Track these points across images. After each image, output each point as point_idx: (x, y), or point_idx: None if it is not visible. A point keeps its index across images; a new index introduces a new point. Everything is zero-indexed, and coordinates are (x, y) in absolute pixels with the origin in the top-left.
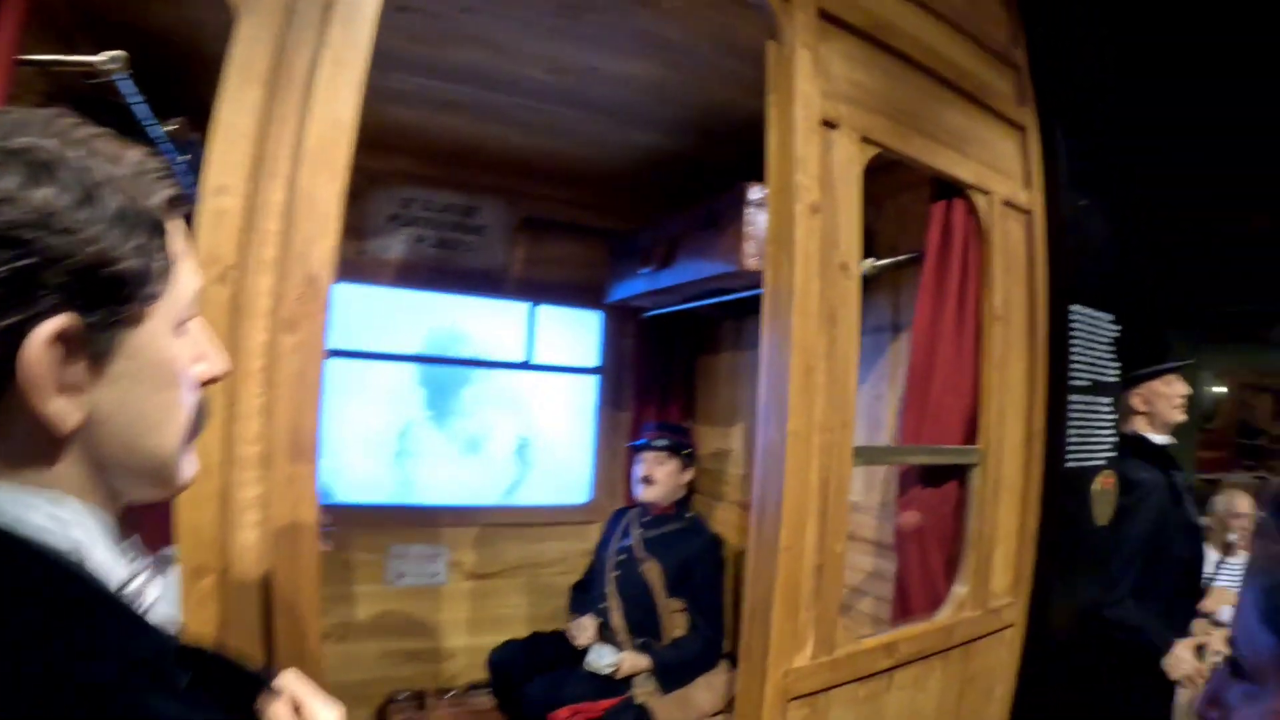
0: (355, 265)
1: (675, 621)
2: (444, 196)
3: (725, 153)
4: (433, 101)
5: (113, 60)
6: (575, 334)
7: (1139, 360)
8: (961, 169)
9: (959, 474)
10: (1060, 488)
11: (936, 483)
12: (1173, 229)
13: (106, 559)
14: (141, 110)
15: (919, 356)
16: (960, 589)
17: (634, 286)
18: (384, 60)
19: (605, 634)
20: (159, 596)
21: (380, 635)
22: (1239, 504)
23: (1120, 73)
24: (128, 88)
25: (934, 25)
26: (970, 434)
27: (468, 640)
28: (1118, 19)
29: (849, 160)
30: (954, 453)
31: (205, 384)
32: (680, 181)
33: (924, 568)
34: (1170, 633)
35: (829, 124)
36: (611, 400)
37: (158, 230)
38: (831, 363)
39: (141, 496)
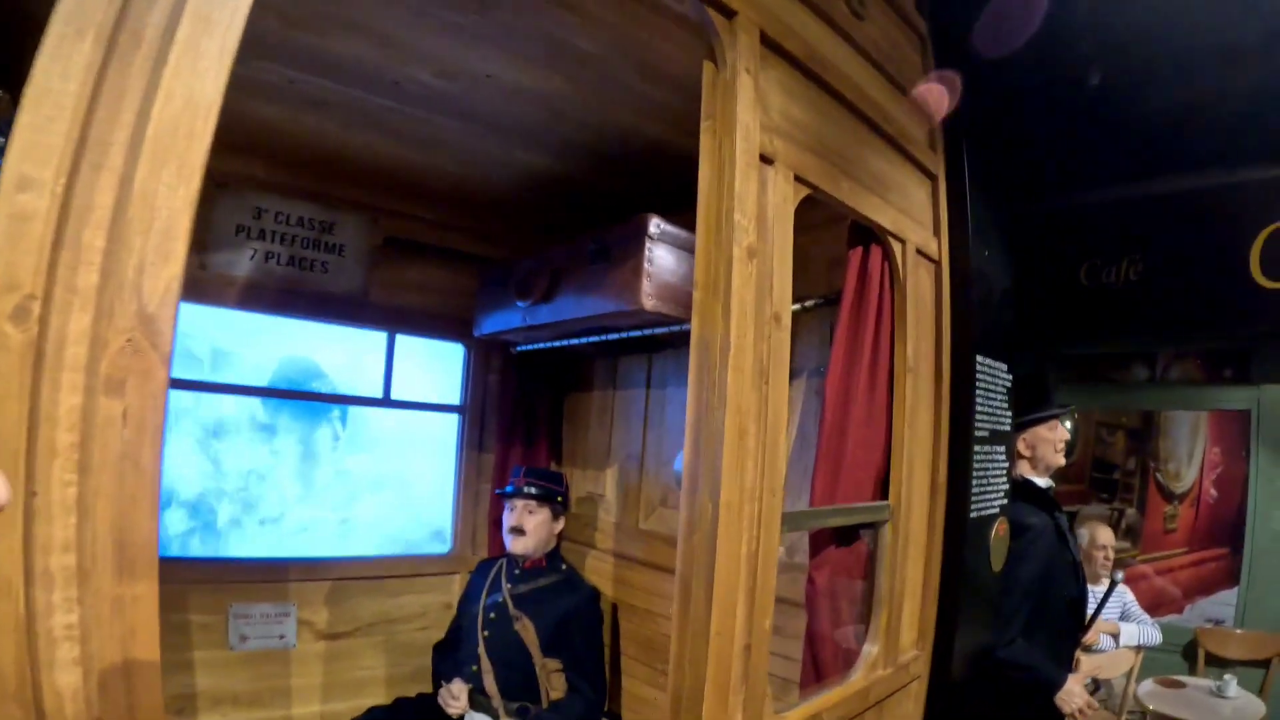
0: (196, 282)
1: (553, 682)
2: (300, 208)
3: (620, 182)
4: (299, 98)
5: None
6: (437, 367)
7: (1025, 406)
8: (882, 215)
9: (867, 529)
10: (962, 538)
11: (847, 540)
12: (1044, 276)
13: None
14: None
15: (832, 410)
16: (872, 648)
17: (508, 320)
18: (250, 46)
19: (478, 700)
20: None
21: (224, 706)
22: (1100, 535)
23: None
24: None
25: (860, 64)
26: (880, 489)
27: (322, 707)
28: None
29: (783, 200)
30: (868, 510)
31: None
32: (565, 210)
33: (835, 627)
34: (1061, 669)
35: (766, 159)
36: (474, 440)
37: None
38: (762, 424)
39: None
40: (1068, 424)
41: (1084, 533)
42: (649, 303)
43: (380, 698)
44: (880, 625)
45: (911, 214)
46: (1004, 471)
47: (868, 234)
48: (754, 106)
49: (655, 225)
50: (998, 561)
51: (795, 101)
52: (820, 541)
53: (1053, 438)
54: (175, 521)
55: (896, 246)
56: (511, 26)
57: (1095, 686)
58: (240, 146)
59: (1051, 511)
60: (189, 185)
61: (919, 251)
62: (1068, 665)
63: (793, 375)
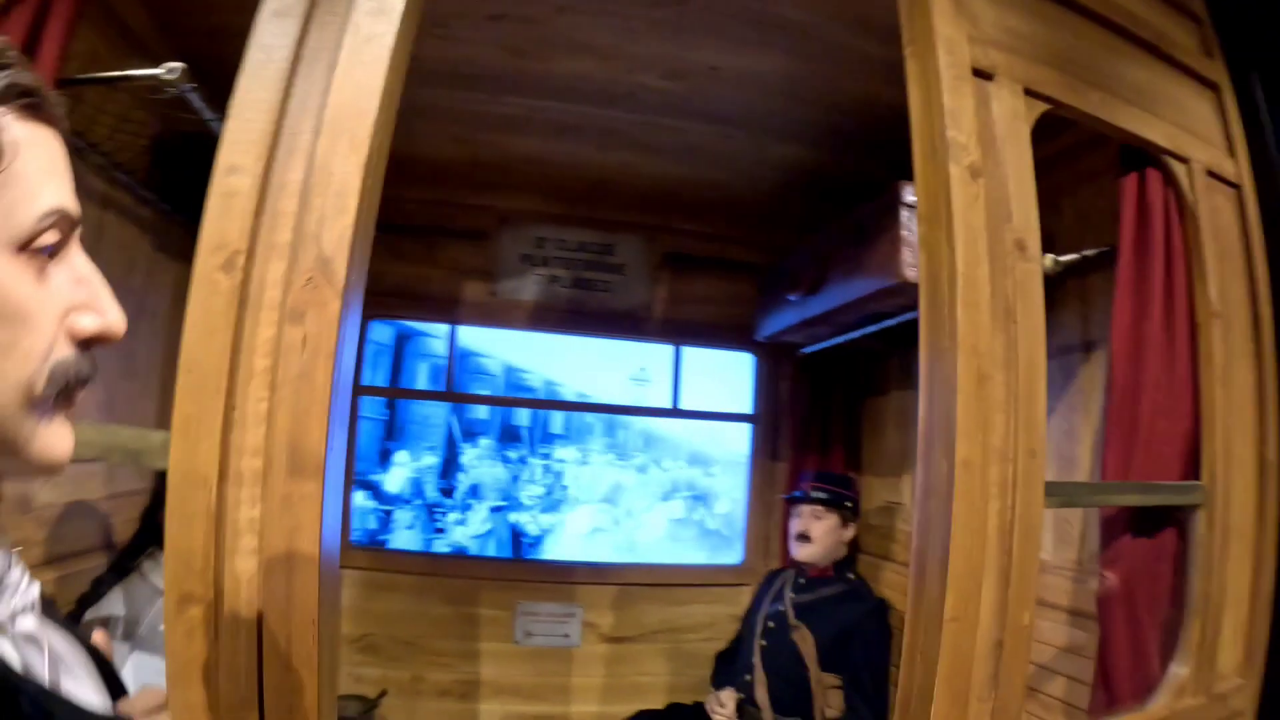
0: (487, 308)
1: (830, 699)
2: (578, 234)
3: (871, 159)
4: (550, 127)
5: (170, 71)
6: (727, 377)
7: None
8: (1152, 130)
9: (1175, 520)
10: None
11: (1148, 532)
12: None
13: None
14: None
15: (1121, 371)
16: (1179, 669)
17: (783, 319)
18: (490, 82)
19: (748, 711)
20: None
21: (505, 696)
22: None
23: None
24: (195, 99)
25: None
26: (1190, 467)
27: (599, 707)
28: None
29: (1013, 115)
30: (1169, 491)
31: (85, 343)
32: (827, 200)
33: (1133, 641)
34: None
35: (982, 74)
36: (766, 449)
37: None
38: (1011, 371)
39: None
40: None
41: None
42: (910, 273)
43: (658, 704)
44: (1191, 641)
45: (1193, 129)
46: None
47: (1140, 157)
48: (955, 19)
49: (909, 193)
50: None
51: (1013, 13)
52: (1114, 532)
53: None
54: (475, 523)
55: (1179, 168)
56: (712, 10)
57: None
58: (515, 184)
59: None
60: (359, 153)
61: (1210, 173)
62: None
63: (1090, 346)
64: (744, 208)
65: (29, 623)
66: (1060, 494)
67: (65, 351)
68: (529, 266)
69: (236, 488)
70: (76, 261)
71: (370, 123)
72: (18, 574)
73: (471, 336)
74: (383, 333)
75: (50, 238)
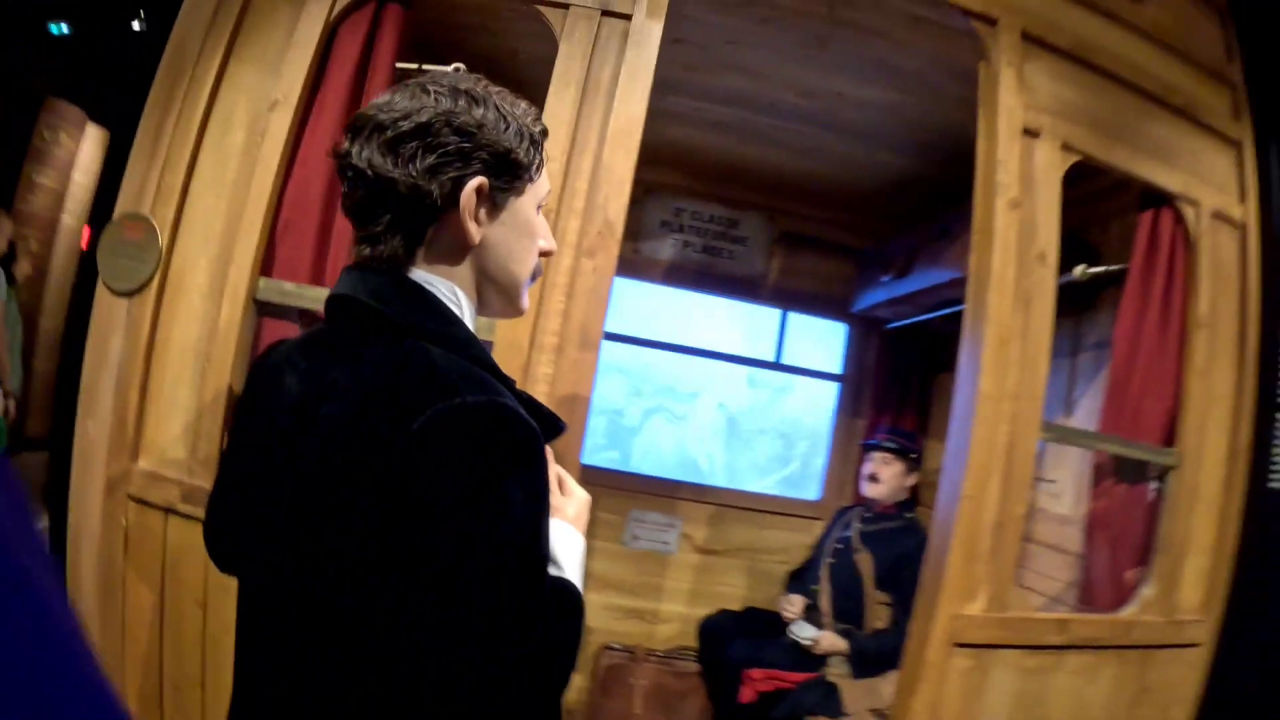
0: (630, 263)
1: (879, 614)
2: (711, 209)
3: (958, 172)
4: (703, 122)
5: (455, 69)
6: (820, 342)
7: None
8: (1167, 178)
9: (1155, 478)
10: (1266, 509)
11: (1130, 480)
12: None
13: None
14: None
15: (1121, 357)
16: (1146, 591)
17: (875, 296)
18: (661, 85)
19: (811, 614)
20: None
21: (608, 589)
22: None
23: None
24: None
25: (1139, 43)
26: (1168, 439)
27: (684, 609)
28: None
29: (1049, 165)
30: (1147, 449)
31: (543, 254)
32: (919, 200)
33: (1112, 564)
34: None
35: (1030, 132)
36: (850, 407)
37: (537, 145)
38: (1025, 342)
39: (492, 311)
40: None
41: None
42: None
43: (735, 609)
44: (1157, 572)
45: (1207, 178)
46: None
47: (1158, 198)
48: (1017, 91)
49: None
50: None
51: (1063, 83)
52: (1104, 476)
53: None
54: (602, 437)
55: (1188, 209)
56: (847, 54)
57: None
58: (663, 161)
59: None
60: (630, 159)
61: (1218, 215)
62: None
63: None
64: (849, 200)
65: None
66: (1055, 431)
67: (536, 258)
68: (667, 231)
69: (538, 353)
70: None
71: (637, 140)
72: None
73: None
74: None
75: (546, 204)
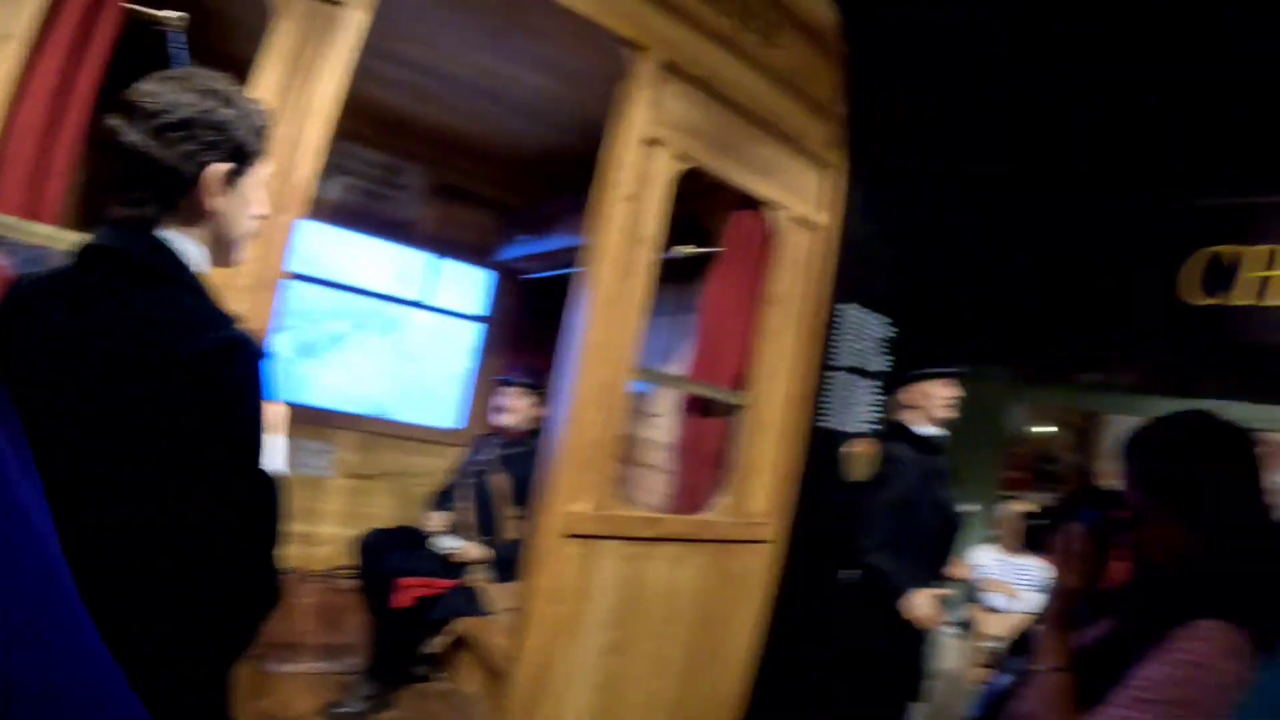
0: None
1: (512, 526)
2: (377, 156)
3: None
4: (380, 79)
5: (179, 20)
6: (467, 286)
7: (911, 365)
8: (762, 188)
9: (730, 415)
10: (816, 442)
11: (714, 416)
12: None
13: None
14: (181, 58)
15: (706, 320)
16: (722, 498)
17: (517, 250)
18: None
19: (456, 528)
20: None
21: None
22: (1010, 509)
23: (931, 134)
24: (177, 40)
25: (763, 80)
26: (742, 385)
27: (338, 530)
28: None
29: (663, 170)
30: (726, 393)
31: (259, 217)
32: (566, 172)
33: (698, 479)
34: (912, 583)
35: (652, 141)
36: (491, 346)
37: (263, 136)
38: (624, 303)
39: (220, 263)
40: (949, 388)
41: (1005, 508)
42: None
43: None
44: (731, 483)
45: (796, 190)
46: (871, 405)
47: (755, 202)
48: (646, 108)
49: None
50: (853, 473)
51: (692, 106)
52: (693, 410)
53: (933, 394)
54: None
55: (773, 213)
56: (522, 49)
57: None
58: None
59: (930, 454)
60: (324, 133)
61: (798, 218)
62: (923, 583)
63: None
64: (506, 163)
65: None
66: (647, 374)
67: (254, 221)
68: (337, 175)
69: (234, 293)
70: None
71: (335, 115)
72: None
73: None
74: None
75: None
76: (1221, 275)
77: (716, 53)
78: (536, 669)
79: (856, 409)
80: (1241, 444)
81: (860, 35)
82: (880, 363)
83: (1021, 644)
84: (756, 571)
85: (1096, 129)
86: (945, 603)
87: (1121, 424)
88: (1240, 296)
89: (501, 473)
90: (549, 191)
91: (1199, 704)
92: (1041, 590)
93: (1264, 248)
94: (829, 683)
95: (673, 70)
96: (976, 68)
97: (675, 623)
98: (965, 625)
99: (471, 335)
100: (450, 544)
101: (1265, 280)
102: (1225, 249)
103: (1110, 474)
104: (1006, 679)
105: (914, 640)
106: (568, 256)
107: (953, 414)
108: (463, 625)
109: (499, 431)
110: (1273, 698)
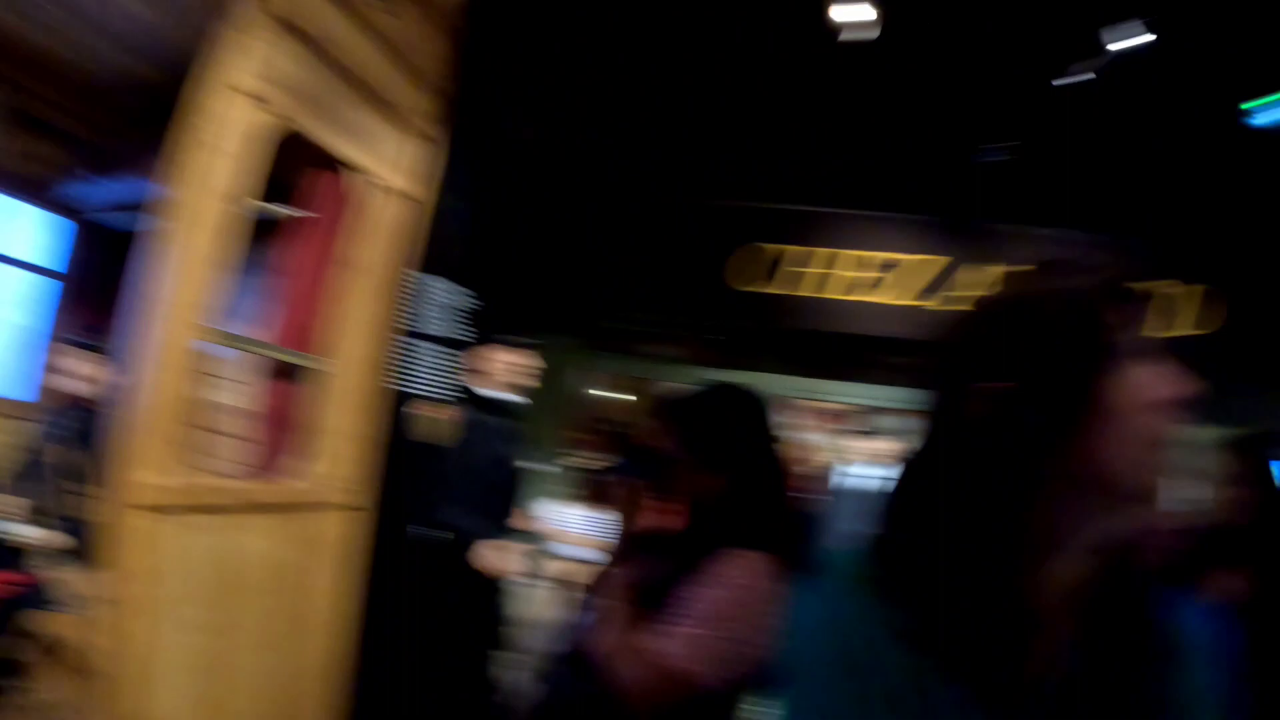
0: None
1: (91, 507)
2: None
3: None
4: None
5: None
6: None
7: (489, 334)
8: (355, 154)
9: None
10: (397, 408)
11: (295, 381)
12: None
13: None
14: None
15: (282, 282)
16: (306, 464)
17: (97, 196)
18: None
19: (35, 514)
20: None
21: None
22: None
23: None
24: None
25: (374, 47)
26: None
27: None
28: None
29: (253, 124)
30: (307, 358)
31: None
32: (155, 114)
33: (278, 445)
34: (479, 535)
35: (244, 93)
36: (66, 304)
37: None
38: (200, 260)
39: None
40: (518, 355)
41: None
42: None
43: None
44: (314, 450)
45: (391, 161)
46: (446, 371)
47: (342, 167)
48: (244, 57)
49: None
50: (419, 433)
51: (296, 63)
52: (275, 374)
53: (497, 359)
54: None
55: (360, 178)
56: None
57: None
58: None
59: (500, 416)
60: None
61: (389, 188)
62: (491, 536)
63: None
64: (85, 92)
65: None
66: (223, 336)
67: None
68: None
69: None
70: None
71: None
72: None
73: None
74: None
75: None
76: (764, 268)
77: (334, 12)
78: (127, 660)
79: (436, 376)
80: (757, 409)
81: (482, 17)
82: (461, 331)
83: (595, 585)
84: (345, 538)
85: (672, 133)
86: (521, 554)
87: (674, 391)
88: (778, 286)
89: (76, 447)
90: (133, 132)
91: (745, 619)
92: (606, 536)
93: (802, 248)
94: (417, 640)
95: (284, 24)
96: (590, 66)
97: (266, 595)
98: (540, 575)
99: (43, 290)
100: (26, 532)
101: (800, 274)
102: (769, 246)
103: (660, 433)
104: (586, 618)
105: (489, 591)
106: (148, 205)
107: (530, 381)
108: (44, 623)
109: (78, 402)
110: (808, 611)
